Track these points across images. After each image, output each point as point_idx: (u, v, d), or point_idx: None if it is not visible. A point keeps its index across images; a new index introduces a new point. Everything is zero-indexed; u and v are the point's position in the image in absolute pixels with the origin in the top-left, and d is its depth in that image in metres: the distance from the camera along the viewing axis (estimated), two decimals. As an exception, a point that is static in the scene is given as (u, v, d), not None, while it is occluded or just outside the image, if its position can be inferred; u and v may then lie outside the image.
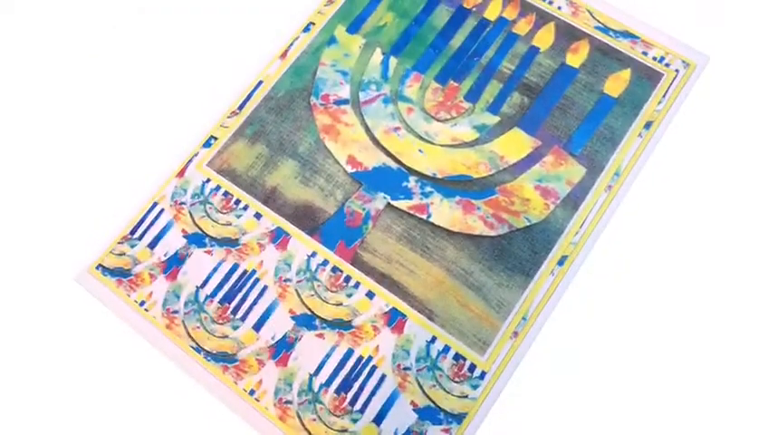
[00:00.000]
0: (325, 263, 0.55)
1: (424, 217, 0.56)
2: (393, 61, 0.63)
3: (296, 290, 0.55)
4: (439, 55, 0.62)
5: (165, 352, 0.53)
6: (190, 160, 0.59)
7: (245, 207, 0.57)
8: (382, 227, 0.56)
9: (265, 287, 0.55)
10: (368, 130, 0.60)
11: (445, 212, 0.56)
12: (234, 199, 0.58)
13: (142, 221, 0.57)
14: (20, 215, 0.58)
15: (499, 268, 0.55)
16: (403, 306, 0.54)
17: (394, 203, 0.57)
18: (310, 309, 0.54)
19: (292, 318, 0.54)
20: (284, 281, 0.55)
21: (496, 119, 0.60)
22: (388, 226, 0.56)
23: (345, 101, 0.61)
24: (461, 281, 0.54)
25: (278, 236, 0.56)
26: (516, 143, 0.59)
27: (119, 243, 0.57)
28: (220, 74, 0.63)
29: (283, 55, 0.63)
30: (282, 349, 0.53)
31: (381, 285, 0.54)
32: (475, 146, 0.59)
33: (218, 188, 0.58)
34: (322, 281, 0.55)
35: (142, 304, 0.55)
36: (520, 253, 0.55)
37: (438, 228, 0.56)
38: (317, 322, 0.54)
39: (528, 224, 0.56)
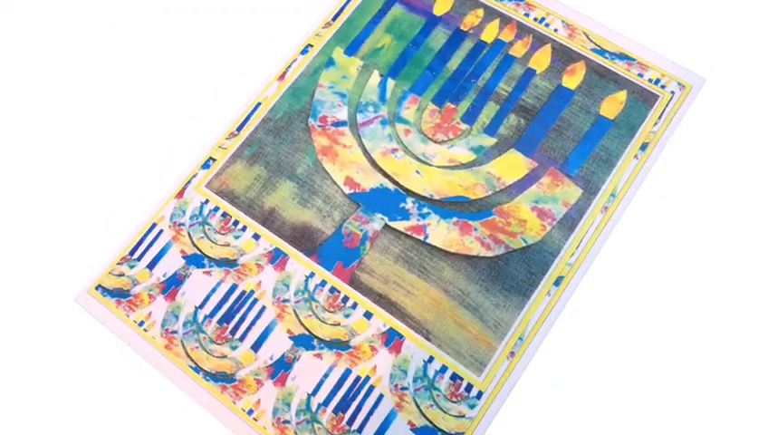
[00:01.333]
0: (323, 283, 0.56)
1: (421, 238, 0.57)
2: (390, 83, 0.63)
3: (294, 310, 0.55)
4: (436, 77, 0.63)
5: (164, 371, 0.53)
6: (189, 182, 0.60)
7: (244, 228, 0.58)
8: (380, 247, 0.57)
9: (264, 308, 0.55)
10: (365, 151, 0.60)
11: (442, 233, 0.57)
12: (232, 220, 0.58)
13: (141, 242, 0.58)
14: (19, 236, 0.59)
15: (496, 289, 0.55)
16: (400, 327, 0.54)
17: (391, 224, 0.57)
18: (308, 329, 0.54)
19: (291, 338, 0.54)
20: (282, 301, 0.55)
21: (493, 140, 0.60)
22: (385, 246, 0.57)
23: (343, 123, 0.62)
24: (458, 301, 0.55)
25: (276, 257, 0.57)
26: (513, 165, 0.59)
27: (118, 264, 0.57)
28: (218, 96, 0.63)
29: (282, 77, 0.64)
30: (280, 369, 0.53)
31: (379, 305, 0.55)
32: (472, 167, 0.59)
33: (217, 209, 0.59)
34: (320, 301, 0.55)
35: (141, 324, 0.55)
36: (516, 274, 0.55)
37: (435, 249, 0.56)
38: (315, 342, 0.54)
39: (525, 245, 0.56)
